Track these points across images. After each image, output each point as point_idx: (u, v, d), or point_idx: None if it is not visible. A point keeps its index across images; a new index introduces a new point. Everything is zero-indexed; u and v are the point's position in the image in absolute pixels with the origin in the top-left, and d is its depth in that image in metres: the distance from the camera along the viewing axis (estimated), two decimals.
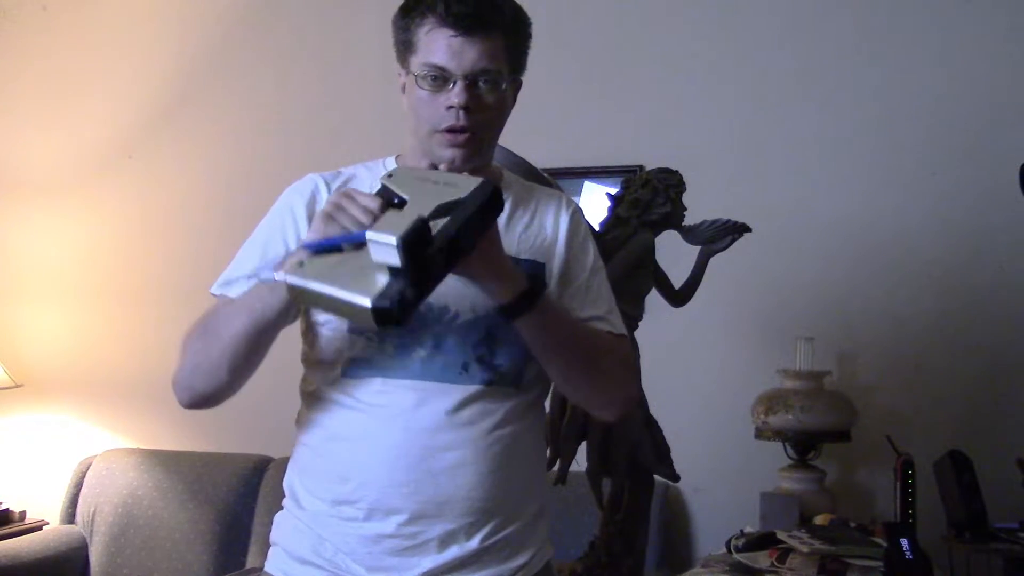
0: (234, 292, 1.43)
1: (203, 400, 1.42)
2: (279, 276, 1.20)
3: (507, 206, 1.47)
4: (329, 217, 1.23)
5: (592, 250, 1.56)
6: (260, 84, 3.68)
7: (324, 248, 1.19)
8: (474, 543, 1.41)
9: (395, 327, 1.13)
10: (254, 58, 3.69)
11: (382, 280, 1.12)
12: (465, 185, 1.21)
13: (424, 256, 1.13)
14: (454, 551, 1.40)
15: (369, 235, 1.13)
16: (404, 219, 1.14)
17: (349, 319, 1.17)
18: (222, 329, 1.36)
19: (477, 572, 1.42)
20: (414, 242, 1.12)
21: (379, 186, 1.26)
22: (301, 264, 1.18)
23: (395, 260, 1.11)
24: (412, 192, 1.21)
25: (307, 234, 1.27)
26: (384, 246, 1.11)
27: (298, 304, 1.20)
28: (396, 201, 1.22)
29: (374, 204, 1.22)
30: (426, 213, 1.16)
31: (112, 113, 3.82)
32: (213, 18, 3.75)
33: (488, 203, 1.20)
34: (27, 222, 3.87)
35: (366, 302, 1.10)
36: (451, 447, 1.38)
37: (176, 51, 3.78)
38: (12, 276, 3.85)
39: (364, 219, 1.20)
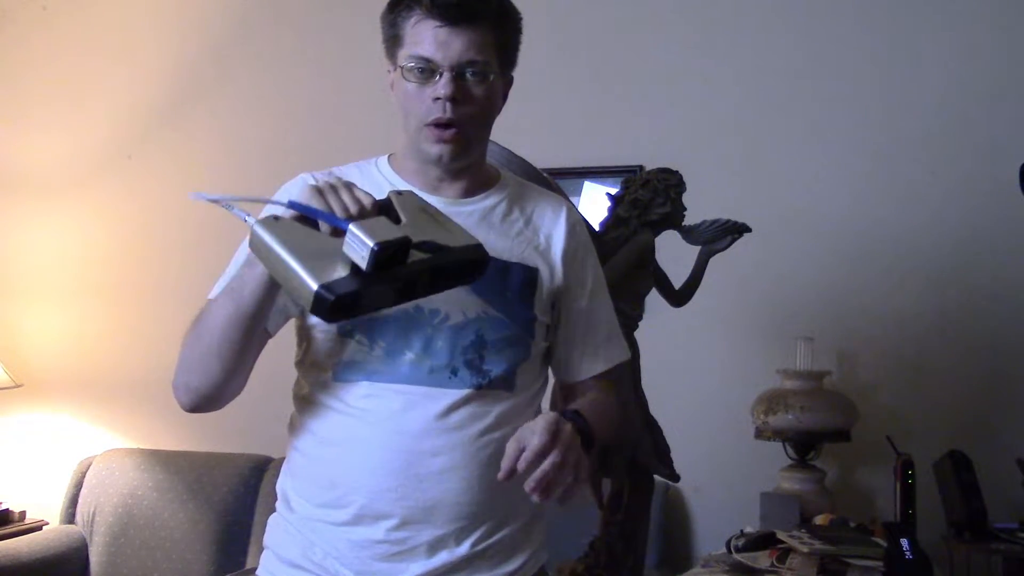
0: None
1: (202, 400, 1.40)
2: (249, 220, 1.18)
3: (503, 206, 1.47)
4: (319, 192, 1.21)
5: (592, 269, 1.54)
6: (260, 84, 3.68)
7: (304, 215, 1.19)
8: (464, 548, 1.40)
9: (324, 320, 1.13)
10: (254, 58, 3.69)
11: (340, 272, 1.12)
12: (461, 238, 1.21)
13: (388, 273, 1.13)
14: (443, 556, 1.39)
15: (353, 226, 1.12)
16: (392, 231, 1.14)
17: (288, 291, 1.17)
18: (209, 320, 1.34)
19: None
20: (389, 255, 1.11)
21: (382, 194, 1.25)
22: (276, 219, 1.18)
23: (361, 261, 1.11)
24: (410, 216, 1.21)
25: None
26: (360, 243, 1.11)
27: (258, 256, 1.19)
28: (391, 212, 1.21)
29: (367, 201, 1.21)
30: (415, 240, 1.16)
31: (112, 113, 3.82)
32: (213, 18, 3.75)
33: (471, 264, 1.21)
34: (27, 222, 3.87)
35: (313, 284, 1.10)
36: (439, 452, 1.37)
37: (176, 52, 3.78)
38: (12, 276, 3.85)
39: (352, 208, 1.19)
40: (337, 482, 1.40)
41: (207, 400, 1.40)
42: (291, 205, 1.20)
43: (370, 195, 1.23)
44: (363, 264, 1.11)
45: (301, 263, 1.11)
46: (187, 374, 1.39)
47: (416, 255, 1.16)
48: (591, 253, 1.56)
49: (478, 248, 1.22)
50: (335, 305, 1.10)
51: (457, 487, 1.38)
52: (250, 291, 1.29)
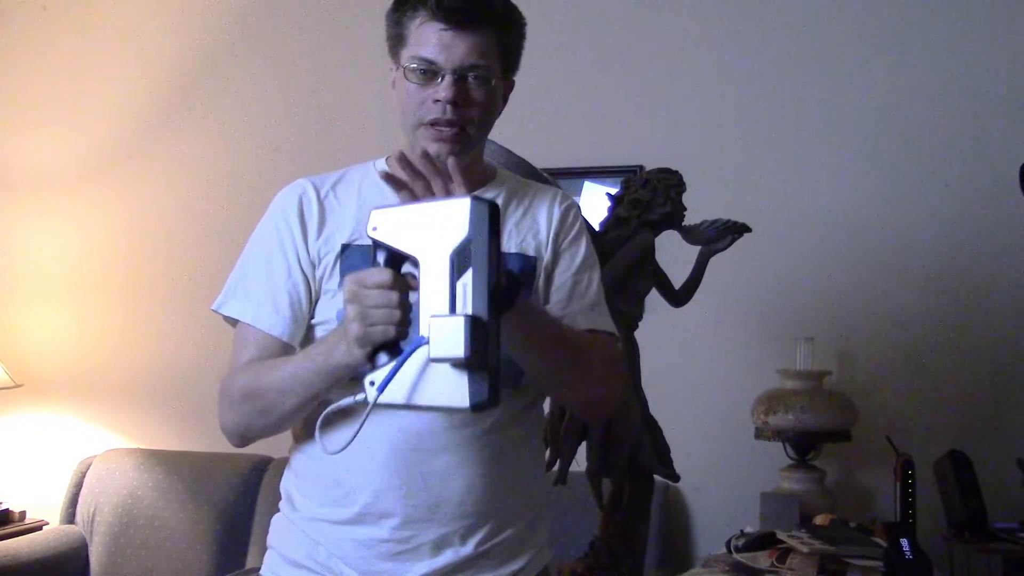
0: (236, 310, 1.43)
1: (257, 439, 1.45)
2: (372, 396, 1.16)
3: (500, 200, 1.45)
4: (365, 321, 1.17)
5: (584, 247, 1.52)
6: (260, 84, 3.67)
7: (395, 372, 1.16)
8: (469, 548, 1.40)
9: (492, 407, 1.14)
10: (254, 58, 3.69)
11: (462, 375, 1.12)
12: (458, 215, 1.12)
13: (485, 337, 1.11)
14: (448, 556, 1.39)
15: (433, 356, 1.11)
16: (454, 334, 1.10)
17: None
18: (279, 401, 1.35)
19: None
20: (478, 346, 1.10)
21: (382, 193, 1.22)
22: (373, 384, 1.16)
23: (467, 363, 1.11)
24: (409, 242, 1.16)
25: (355, 347, 1.20)
26: (453, 361, 1.11)
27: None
28: (399, 253, 1.16)
29: (386, 277, 1.16)
30: (442, 271, 1.11)
31: (112, 113, 3.82)
32: (213, 18, 3.75)
33: (493, 223, 1.13)
34: (27, 222, 3.86)
35: (464, 405, 1.12)
36: (444, 450, 1.38)
37: (176, 51, 3.78)
38: (12, 276, 3.85)
39: (391, 301, 1.15)
40: (342, 480, 1.40)
41: (260, 438, 1.45)
42: (381, 388, 1.16)
43: (378, 270, 1.17)
44: (470, 362, 1.10)
45: (440, 400, 1.14)
46: (249, 431, 1.43)
47: (467, 283, 1.11)
48: (584, 235, 1.53)
49: (479, 208, 1.12)
50: (491, 398, 1.12)
51: (462, 485, 1.38)
52: (337, 377, 1.28)
